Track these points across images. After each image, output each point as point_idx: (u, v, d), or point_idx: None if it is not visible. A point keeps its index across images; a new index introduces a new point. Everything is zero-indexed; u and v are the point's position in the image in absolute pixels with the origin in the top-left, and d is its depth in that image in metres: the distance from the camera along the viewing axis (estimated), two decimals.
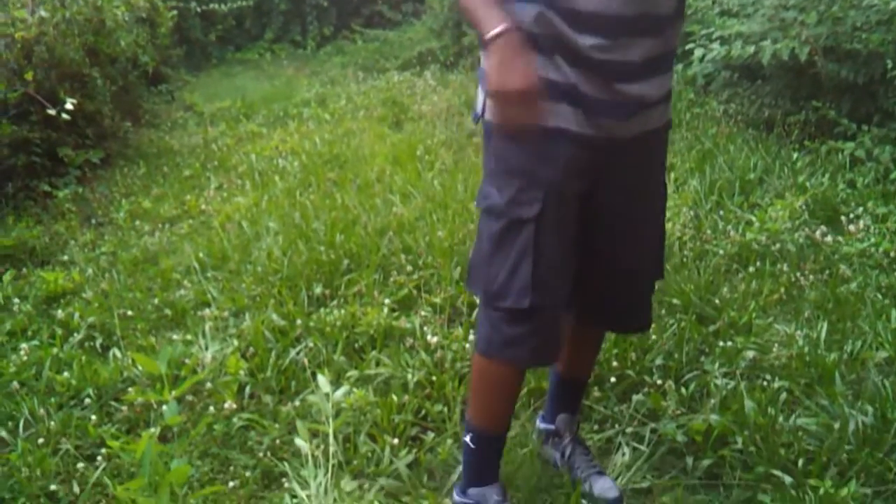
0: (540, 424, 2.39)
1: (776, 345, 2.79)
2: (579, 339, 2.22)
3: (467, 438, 2.02)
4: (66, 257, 4.21)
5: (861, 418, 2.29)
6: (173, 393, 1.97)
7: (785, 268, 3.40)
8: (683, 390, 2.57)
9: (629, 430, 2.45)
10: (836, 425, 2.30)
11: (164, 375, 1.93)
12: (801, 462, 2.20)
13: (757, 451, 2.27)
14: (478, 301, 2.06)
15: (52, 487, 2.33)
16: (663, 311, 3.07)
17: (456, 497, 2.10)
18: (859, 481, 2.07)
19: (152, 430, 2.45)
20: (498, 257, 1.83)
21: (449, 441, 2.43)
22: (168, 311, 3.39)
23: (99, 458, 2.45)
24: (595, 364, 2.45)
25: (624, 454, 2.34)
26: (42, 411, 2.69)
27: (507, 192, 1.81)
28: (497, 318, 1.86)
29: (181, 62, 9.76)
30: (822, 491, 1.97)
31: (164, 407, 2.03)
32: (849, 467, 2.17)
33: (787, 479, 2.11)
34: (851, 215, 3.90)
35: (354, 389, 2.59)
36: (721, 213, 3.99)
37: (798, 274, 3.36)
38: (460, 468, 2.29)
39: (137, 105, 7.17)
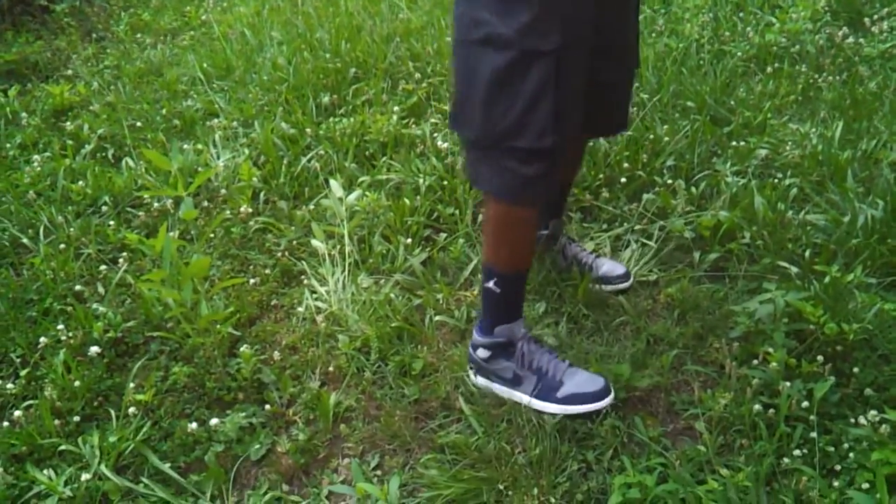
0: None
1: (789, 143, 2.76)
2: (572, 147, 2.02)
3: (490, 284, 1.82)
4: (69, 71, 4.15)
5: (871, 212, 2.30)
6: (188, 191, 1.99)
7: (803, 69, 3.31)
8: (693, 189, 2.58)
9: (638, 227, 2.48)
10: (846, 219, 2.31)
11: (177, 173, 1.94)
12: (807, 254, 2.23)
13: (764, 244, 2.31)
14: (463, 141, 1.79)
15: (78, 288, 2.41)
16: (677, 115, 3.03)
17: (481, 338, 1.90)
18: (865, 271, 2.10)
19: (171, 233, 2.51)
20: (505, 94, 1.58)
21: (461, 241, 2.47)
22: (177, 122, 3.37)
23: (120, 260, 2.51)
24: (580, 166, 2.36)
25: (632, 250, 2.39)
26: (61, 219, 2.73)
27: (514, 20, 1.53)
28: (509, 158, 1.64)
29: None
30: (827, 278, 2.01)
31: (181, 207, 2.05)
32: (855, 258, 2.20)
33: (794, 270, 2.15)
34: (875, 16, 3.76)
35: (367, 193, 2.61)
36: (741, 14, 3.84)
37: (816, 75, 3.28)
38: (472, 264, 2.36)
39: None
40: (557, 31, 1.54)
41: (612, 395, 1.81)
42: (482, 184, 1.74)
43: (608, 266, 2.23)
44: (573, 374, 1.84)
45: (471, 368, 1.96)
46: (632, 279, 2.24)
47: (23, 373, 2.09)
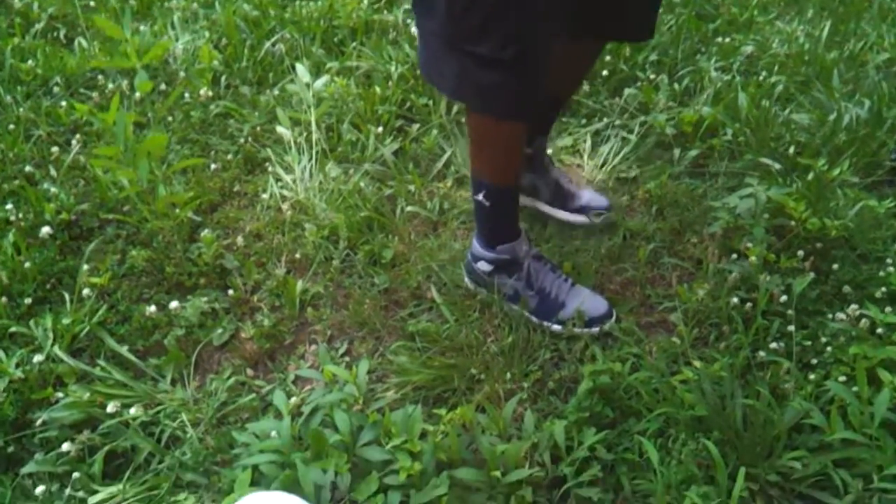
0: None
1: (776, 42, 2.68)
2: (572, 54, 1.78)
3: (479, 196, 1.69)
4: None
5: (856, 111, 2.24)
6: (142, 61, 1.85)
7: None
8: (676, 85, 2.49)
9: (618, 122, 2.40)
10: (831, 118, 2.25)
11: (131, 41, 1.80)
12: (791, 151, 2.17)
13: (746, 141, 2.24)
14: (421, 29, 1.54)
15: (28, 169, 2.27)
16: (661, 9, 2.90)
17: (483, 251, 1.77)
18: (849, 168, 2.05)
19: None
20: None
21: (434, 132, 2.37)
22: (132, 2, 3.17)
23: (73, 142, 2.38)
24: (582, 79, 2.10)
25: (611, 145, 2.31)
26: (9, 99, 2.57)
27: None
28: (470, 61, 1.43)
29: None
30: (811, 174, 1.96)
31: (136, 81, 1.91)
32: (839, 157, 2.14)
33: (777, 167, 2.10)
34: None
35: (335, 80, 2.48)
36: None
37: None
38: (446, 156, 2.27)
39: None
40: None
41: (613, 319, 1.74)
42: (438, 83, 1.53)
43: (589, 196, 2.10)
44: (576, 295, 1.75)
45: (467, 274, 1.85)
46: (613, 211, 2.12)
47: None
